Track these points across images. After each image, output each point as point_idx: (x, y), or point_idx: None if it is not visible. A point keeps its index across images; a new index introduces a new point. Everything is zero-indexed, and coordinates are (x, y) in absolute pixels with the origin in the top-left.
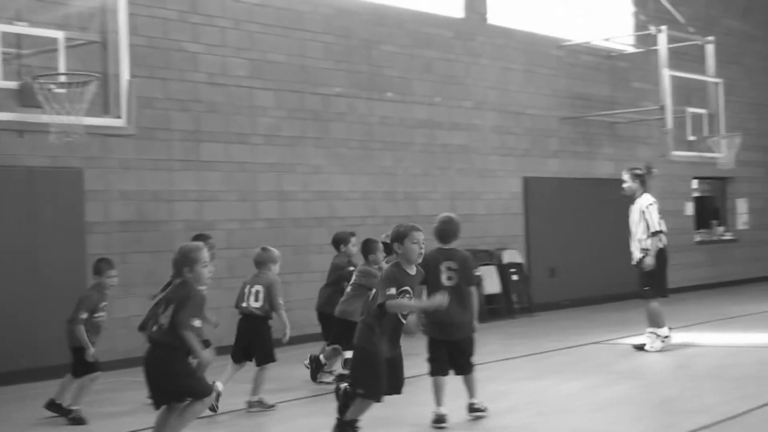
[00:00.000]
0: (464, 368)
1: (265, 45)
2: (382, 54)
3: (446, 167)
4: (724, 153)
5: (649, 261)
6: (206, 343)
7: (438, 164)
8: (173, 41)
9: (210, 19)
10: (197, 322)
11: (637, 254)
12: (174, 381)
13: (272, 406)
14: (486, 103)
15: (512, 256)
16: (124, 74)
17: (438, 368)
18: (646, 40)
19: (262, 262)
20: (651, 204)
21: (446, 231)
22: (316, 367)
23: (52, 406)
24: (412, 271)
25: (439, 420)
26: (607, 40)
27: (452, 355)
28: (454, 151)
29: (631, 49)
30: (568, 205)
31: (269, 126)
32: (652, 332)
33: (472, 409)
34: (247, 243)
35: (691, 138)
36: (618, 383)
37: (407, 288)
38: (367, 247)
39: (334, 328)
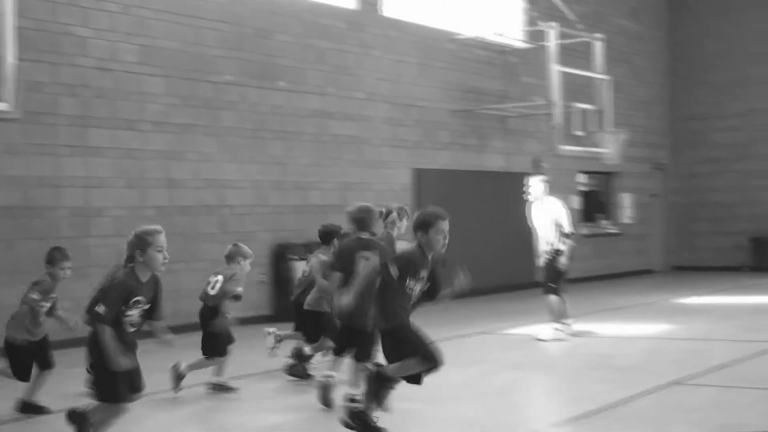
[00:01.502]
0: (359, 356)
1: (156, 31)
2: (275, 43)
3: (337, 158)
4: (610, 148)
5: (564, 261)
6: (132, 346)
7: (329, 155)
8: (62, 25)
9: (100, 3)
10: (102, 308)
11: (545, 255)
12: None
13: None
14: (378, 95)
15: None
16: (10, 57)
17: (338, 351)
18: (536, 36)
19: (230, 256)
20: (562, 207)
21: (364, 220)
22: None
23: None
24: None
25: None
26: (499, 35)
27: (353, 341)
28: (345, 142)
29: (522, 45)
30: (458, 197)
31: (159, 113)
32: (557, 328)
33: (352, 400)
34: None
35: (579, 133)
36: (505, 372)
37: (424, 276)
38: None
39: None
